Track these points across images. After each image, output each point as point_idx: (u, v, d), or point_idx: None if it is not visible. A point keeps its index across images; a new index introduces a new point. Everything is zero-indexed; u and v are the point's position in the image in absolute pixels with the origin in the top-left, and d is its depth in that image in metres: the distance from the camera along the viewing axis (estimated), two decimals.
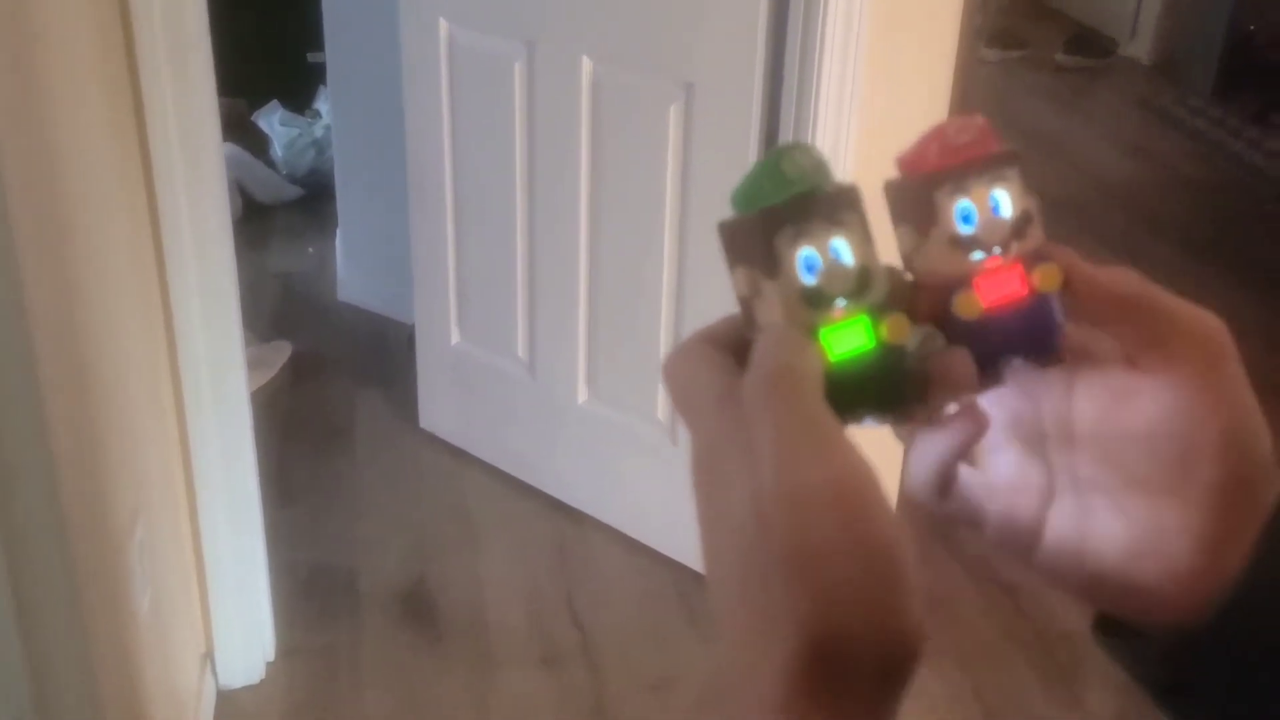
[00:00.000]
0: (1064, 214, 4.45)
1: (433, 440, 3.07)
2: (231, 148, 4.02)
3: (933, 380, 0.47)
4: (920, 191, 0.49)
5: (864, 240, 0.47)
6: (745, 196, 0.47)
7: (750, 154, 2.30)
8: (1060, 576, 0.51)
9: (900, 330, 0.46)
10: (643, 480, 2.72)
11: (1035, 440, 0.51)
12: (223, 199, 2.08)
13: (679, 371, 0.47)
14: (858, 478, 0.41)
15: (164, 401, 2.12)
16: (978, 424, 0.50)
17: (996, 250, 0.48)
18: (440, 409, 3.06)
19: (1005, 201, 0.48)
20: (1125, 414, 0.48)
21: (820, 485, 0.40)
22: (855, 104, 2.20)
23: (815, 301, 0.46)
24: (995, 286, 0.48)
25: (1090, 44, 6.08)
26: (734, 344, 0.47)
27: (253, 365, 2.98)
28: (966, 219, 0.48)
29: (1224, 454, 0.46)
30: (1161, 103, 5.51)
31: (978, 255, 0.48)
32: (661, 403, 2.62)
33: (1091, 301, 0.47)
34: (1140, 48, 5.96)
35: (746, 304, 0.47)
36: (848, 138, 2.22)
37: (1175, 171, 4.96)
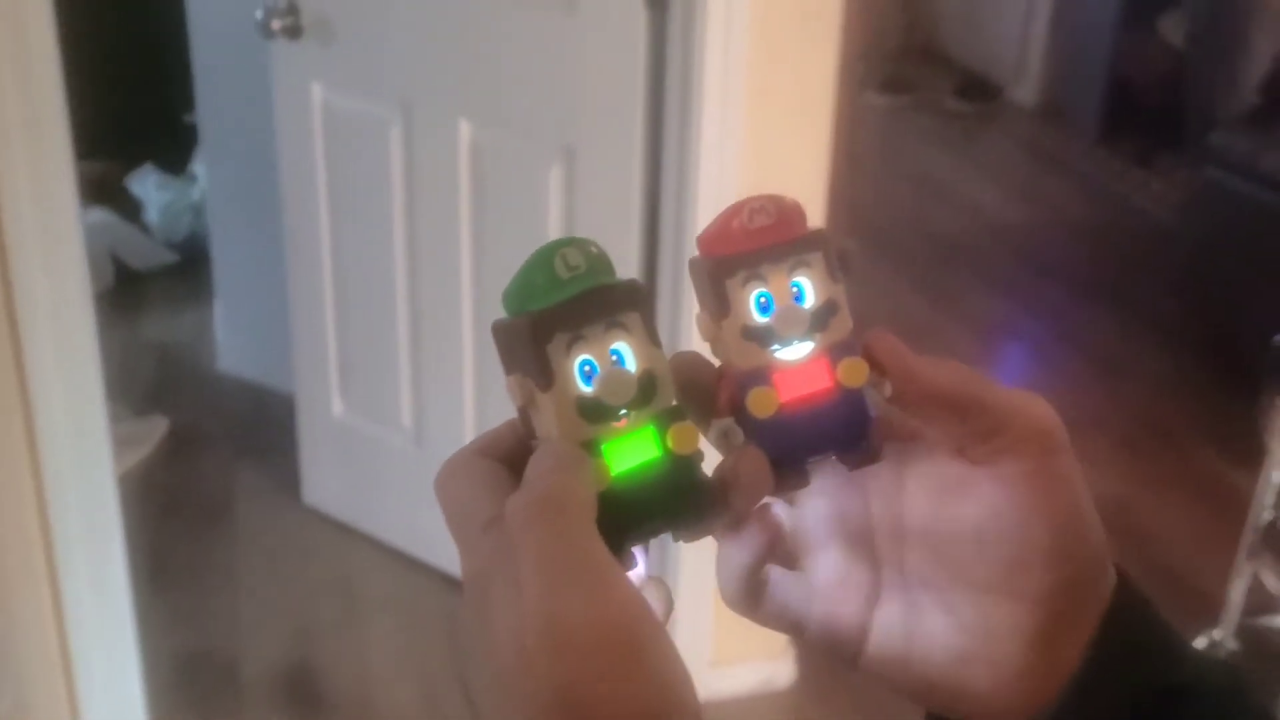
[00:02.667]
0: (954, 257, 4.49)
1: (316, 515, 2.99)
2: (102, 213, 3.92)
3: (724, 482, 0.43)
4: (714, 277, 0.45)
5: (648, 342, 0.43)
6: (517, 296, 0.44)
7: (633, 215, 2.28)
8: (887, 679, 0.48)
9: (688, 440, 0.43)
10: None
11: (862, 537, 0.48)
12: (82, 267, 2.01)
13: (449, 489, 0.44)
14: (627, 618, 0.37)
15: (21, 485, 2.03)
16: (769, 530, 0.47)
17: (795, 342, 0.44)
18: (324, 482, 2.98)
19: (808, 289, 0.45)
20: (956, 509, 0.45)
21: (584, 627, 0.36)
22: (736, 163, 2.19)
23: (594, 414, 0.43)
24: (797, 381, 0.44)
25: (978, 89, 6.17)
26: (514, 455, 0.43)
27: (125, 442, 2.88)
28: (764, 308, 0.45)
29: (1054, 555, 0.44)
30: (1048, 146, 5.60)
31: (776, 347, 0.44)
32: None
33: (913, 396, 0.44)
34: (1026, 93, 6.06)
35: (523, 413, 0.44)
36: (729, 195, 2.20)
37: (1063, 214, 5.03)
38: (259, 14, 2.53)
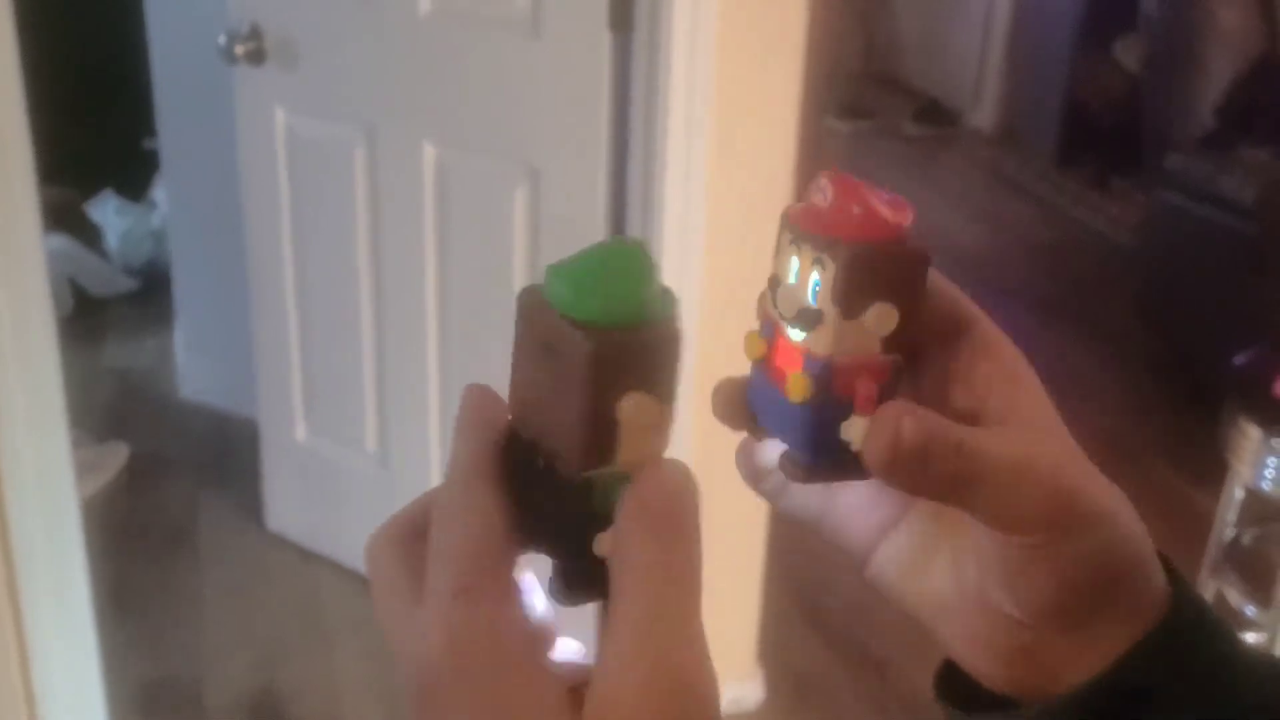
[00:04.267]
0: None
1: (280, 541, 2.97)
2: (61, 240, 3.89)
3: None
4: (780, 226, 0.44)
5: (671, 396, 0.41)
6: (586, 288, 0.41)
7: (598, 237, 2.26)
8: (892, 592, 0.47)
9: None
10: None
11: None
12: (45, 293, 1.99)
13: (371, 574, 0.42)
14: None
15: None
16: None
17: (786, 322, 0.43)
18: (288, 508, 2.96)
19: (811, 286, 0.43)
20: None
21: None
22: (700, 184, 2.20)
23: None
24: (783, 357, 0.44)
25: (937, 114, 6.22)
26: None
27: (86, 469, 2.85)
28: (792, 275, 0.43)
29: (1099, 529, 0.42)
30: (1006, 170, 5.65)
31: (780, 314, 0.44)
32: None
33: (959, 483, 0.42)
34: (984, 117, 6.12)
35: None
36: (695, 218, 2.22)
37: (1022, 237, 5.08)
38: (222, 39, 2.52)
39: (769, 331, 0.44)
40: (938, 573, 0.46)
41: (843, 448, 0.43)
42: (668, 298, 0.41)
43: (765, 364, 0.44)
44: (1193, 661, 0.43)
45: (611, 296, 0.40)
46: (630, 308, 0.40)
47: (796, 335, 0.43)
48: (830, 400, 0.43)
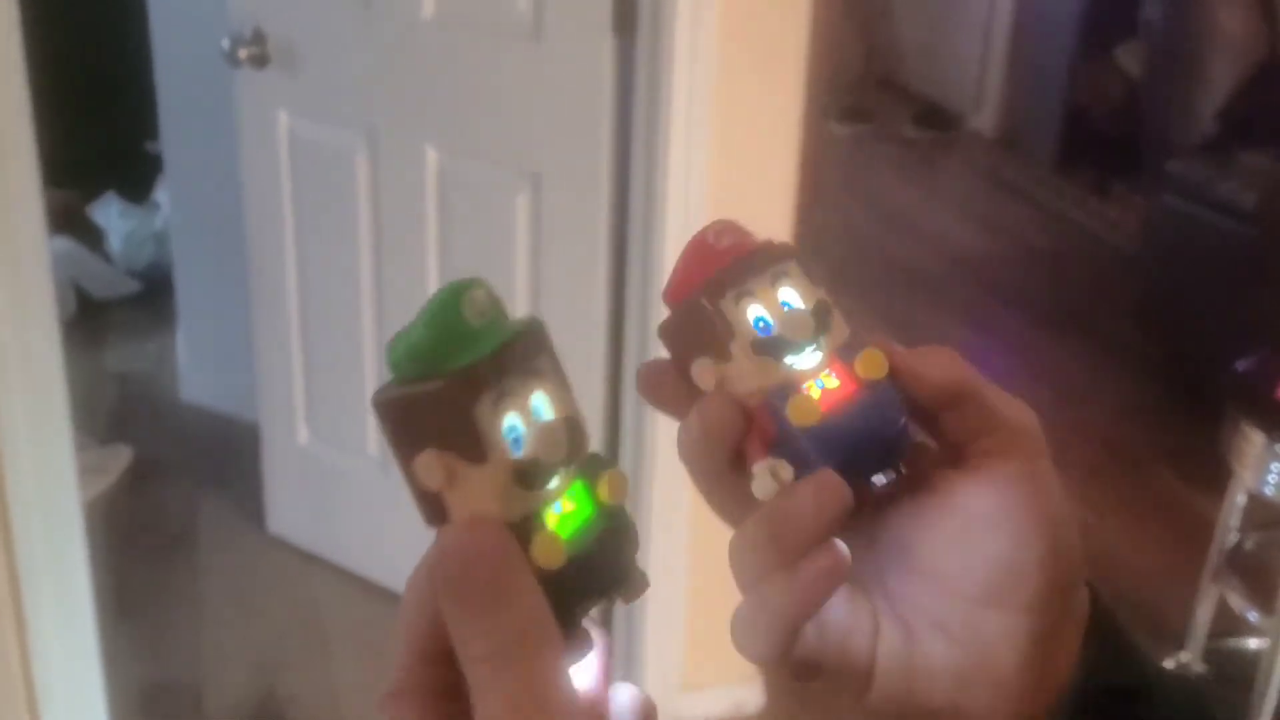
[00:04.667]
0: (914, 284, 4.52)
1: (281, 544, 2.97)
2: (64, 242, 3.89)
3: (788, 518, 0.40)
4: (703, 309, 0.42)
5: (562, 386, 0.39)
6: (422, 356, 0.37)
7: (600, 242, 2.28)
8: (892, 714, 0.46)
9: (620, 488, 0.38)
10: None
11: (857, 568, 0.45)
12: (49, 296, 1.99)
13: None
14: None
15: None
16: (840, 566, 0.42)
17: (808, 348, 0.42)
18: (289, 511, 2.96)
19: (794, 296, 0.43)
20: (940, 521, 0.43)
21: None
22: (703, 189, 2.20)
23: (533, 479, 0.36)
24: (826, 389, 0.42)
25: (937, 118, 6.22)
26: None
27: (89, 471, 2.85)
28: (764, 329, 0.42)
29: (1044, 558, 0.42)
30: (1006, 174, 5.65)
31: (790, 358, 0.42)
32: None
33: (918, 390, 0.43)
34: (984, 121, 6.12)
35: (433, 499, 0.37)
36: (697, 219, 2.20)
37: (1021, 241, 5.08)
38: (225, 43, 2.52)
39: (791, 392, 0.42)
40: (931, 649, 0.45)
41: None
42: (499, 309, 0.38)
43: (826, 415, 0.42)
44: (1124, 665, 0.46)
45: (408, 347, 0.37)
46: (431, 356, 0.37)
47: (815, 355, 0.42)
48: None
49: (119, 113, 3.99)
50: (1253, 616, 2.43)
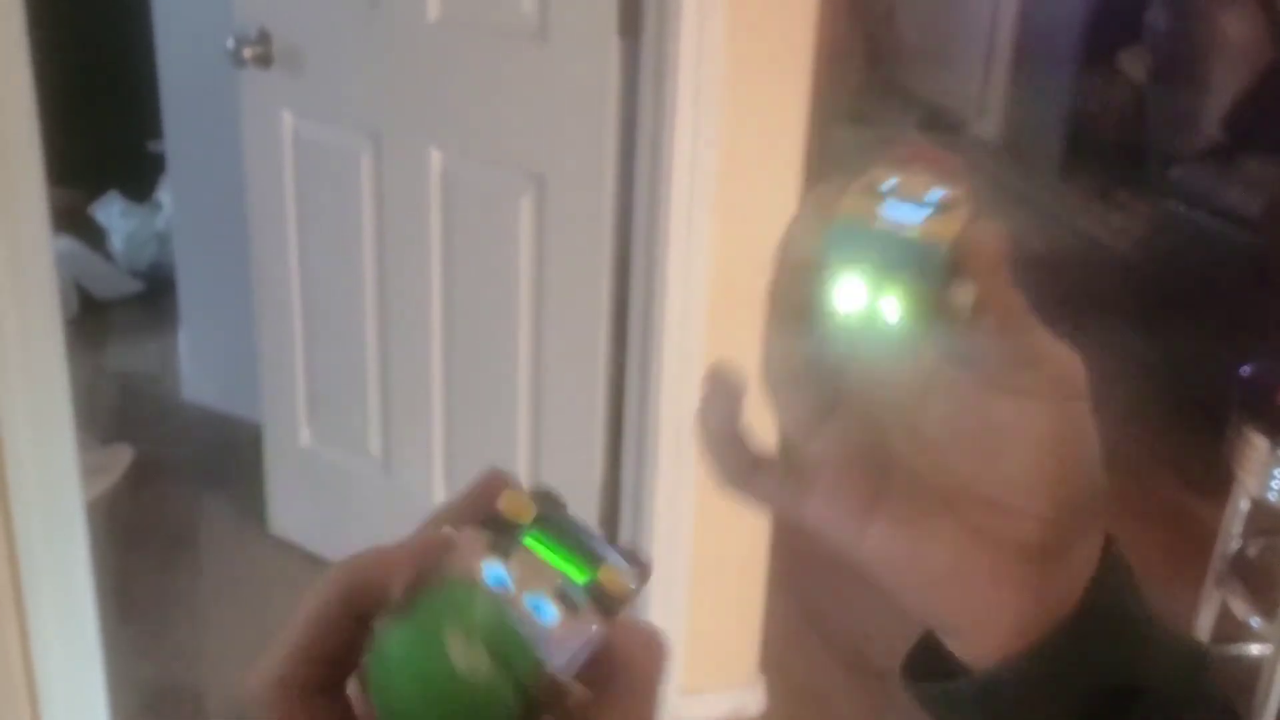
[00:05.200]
0: None
1: (283, 545, 2.97)
2: (67, 241, 3.90)
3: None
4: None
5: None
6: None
7: (604, 244, 2.29)
8: (885, 580, 0.47)
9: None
10: None
11: (868, 439, 0.48)
12: (53, 296, 1.99)
13: None
14: None
15: None
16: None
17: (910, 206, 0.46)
18: (290, 512, 2.97)
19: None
20: (975, 424, 0.46)
21: None
22: (707, 191, 2.20)
23: None
24: None
25: (940, 123, 6.23)
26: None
27: (90, 471, 2.85)
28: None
29: (1062, 480, 0.45)
30: (1009, 180, 5.65)
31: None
32: None
33: (993, 305, 0.45)
34: (988, 127, 6.13)
35: None
36: (701, 223, 2.22)
37: (1024, 247, 5.05)
38: (230, 43, 2.53)
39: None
40: (940, 530, 0.46)
41: None
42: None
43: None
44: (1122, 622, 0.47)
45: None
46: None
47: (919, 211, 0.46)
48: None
49: (122, 112, 4.00)
50: (1255, 622, 2.44)
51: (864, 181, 0.46)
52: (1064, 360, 0.46)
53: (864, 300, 0.44)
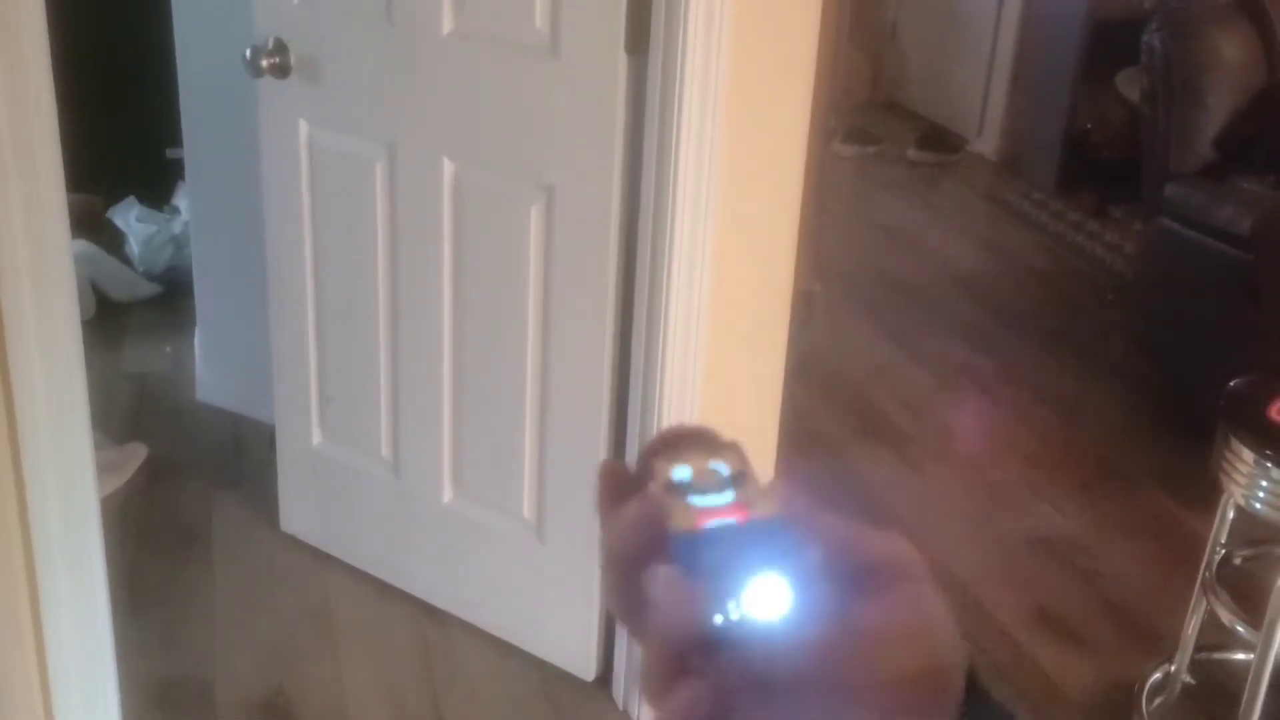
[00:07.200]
0: (916, 302, 4.58)
1: (293, 543, 3.00)
2: (85, 245, 3.94)
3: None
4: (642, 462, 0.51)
5: None
6: None
7: (610, 253, 2.32)
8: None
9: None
10: (510, 580, 2.70)
11: None
12: (71, 297, 2.02)
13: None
14: None
15: (6, 509, 2.04)
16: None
17: (712, 495, 0.48)
18: (301, 511, 3.01)
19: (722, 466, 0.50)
20: (836, 632, 0.46)
21: None
22: (711, 204, 2.24)
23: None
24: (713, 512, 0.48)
25: (940, 141, 6.28)
26: None
27: (105, 469, 2.89)
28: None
29: (918, 646, 0.47)
30: (1007, 197, 5.70)
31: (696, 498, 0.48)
32: (528, 501, 2.61)
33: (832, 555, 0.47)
34: (987, 145, 6.18)
35: None
36: (705, 234, 2.26)
37: (1022, 263, 5.13)
38: (248, 53, 2.55)
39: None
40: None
41: None
42: None
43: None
44: None
45: None
46: None
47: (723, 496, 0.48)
48: None
49: (141, 119, 4.04)
50: (1240, 630, 2.47)
51: (659, 483, 0.48)
52: (899, 558, 0.49)
53: (768, 593, 0.45)
